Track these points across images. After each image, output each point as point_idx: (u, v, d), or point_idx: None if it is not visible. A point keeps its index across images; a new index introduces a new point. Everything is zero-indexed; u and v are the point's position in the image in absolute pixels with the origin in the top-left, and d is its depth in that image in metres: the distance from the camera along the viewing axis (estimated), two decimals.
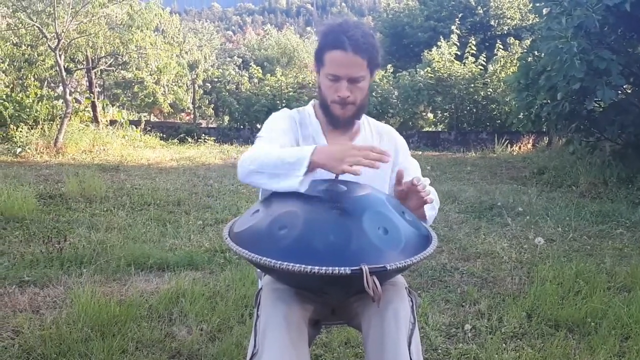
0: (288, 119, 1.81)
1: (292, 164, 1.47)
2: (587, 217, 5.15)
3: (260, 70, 14.97)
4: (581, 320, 2.78)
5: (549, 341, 2.58)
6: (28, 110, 10.14)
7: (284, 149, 1.57)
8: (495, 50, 13.66)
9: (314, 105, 1.85)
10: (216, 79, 14.77)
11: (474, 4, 20.36)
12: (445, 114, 13.98)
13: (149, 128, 12.51)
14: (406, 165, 1.84)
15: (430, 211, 1.76)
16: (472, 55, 13.37)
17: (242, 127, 13.84)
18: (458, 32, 14.17)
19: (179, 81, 13.40)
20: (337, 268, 1.27)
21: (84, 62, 11.64)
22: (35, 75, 11.00)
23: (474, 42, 13.66)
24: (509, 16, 20.06)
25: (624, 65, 6.02)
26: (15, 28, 9.96)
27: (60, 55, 9.46)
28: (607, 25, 6.14)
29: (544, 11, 6.83)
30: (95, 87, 12.12)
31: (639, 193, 6.08)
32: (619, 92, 6.53)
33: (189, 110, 14.97)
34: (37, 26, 9.31)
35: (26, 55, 10.60)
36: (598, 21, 5.64)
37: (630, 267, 3.61)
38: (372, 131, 1.87)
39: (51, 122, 9.88)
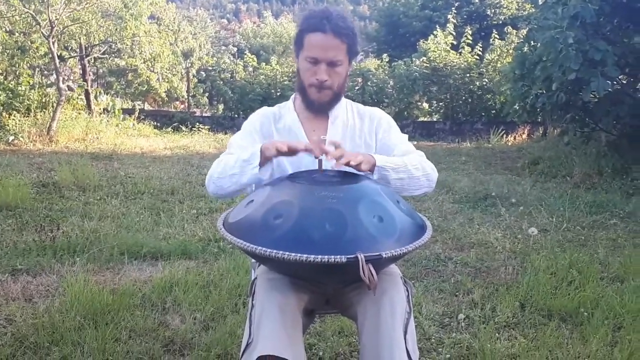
0: (261, 117, 1.85)
1: (247, 160, 1.60)
2: (581, 207, 5.16)
3: (255, 59, 14.89)
4: (574, 310, 2.79)
5: (542, 331, 2.59)
6: (21, 98, 10.04)
7: (241, 152, 1.67)
8: (492, 39, 13.63)
9: (295, 98, 1.89)
10: (211, 68, 14.68)
11: None
12: (440, 103, 13.98)
13: (143, 116, 12.44)
14: (386, 142, 1.82)
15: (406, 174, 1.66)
16: (468, 44, 13.33)
17: (236, 115, 13.78)
18: (454, 21, 14.13)
19: (174, 69, 13.31)
20: (332, 256, 1.27)
21: (78, 50, 11.54)
22: (28, 63, 10.89)
23: (470, 32, 13.62)
24: (505, 5, 19.96)
25: (620, 55, 6.00)
26: (9, 15, 9.85)
27: (53, 43, 9.38)
28: (603, 15, 6.11)
29: (540, 1, 6.80)
30: (89, 75, 12.02)
31: (633, 184, 6.09)
32: (614, 82, 6.51)
33: (183, 99, 14.89)
34: (30, 13, 9.22)
35: (19, 43, 10.49)
36: (594, 11, 5.62)
37: (624, 258, 3.63)
38: (354, 116, 1.86)
39: (44, 110, 9.79)
